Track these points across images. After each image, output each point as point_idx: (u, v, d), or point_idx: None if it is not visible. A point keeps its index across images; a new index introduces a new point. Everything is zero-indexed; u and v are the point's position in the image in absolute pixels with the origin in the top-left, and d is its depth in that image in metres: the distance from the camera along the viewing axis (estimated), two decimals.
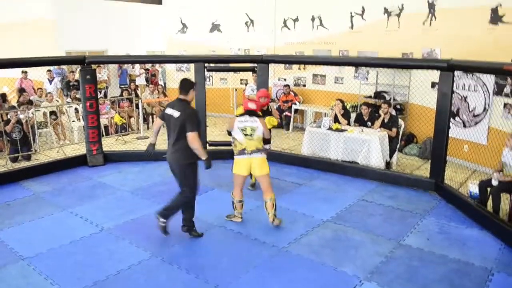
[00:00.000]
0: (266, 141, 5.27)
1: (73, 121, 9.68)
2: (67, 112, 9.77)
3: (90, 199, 6.17)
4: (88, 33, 12.62)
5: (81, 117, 9.01)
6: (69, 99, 10.56)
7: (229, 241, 4.95)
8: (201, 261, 4.49)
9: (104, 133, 9.67)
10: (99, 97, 10.46)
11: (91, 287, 4.02)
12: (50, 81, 11.29)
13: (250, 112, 5.22)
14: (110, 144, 9.10)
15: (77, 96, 9.69)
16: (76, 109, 9.70)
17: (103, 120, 9.79)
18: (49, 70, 11.28)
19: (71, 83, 10.96)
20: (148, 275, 4.23)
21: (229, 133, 5.33)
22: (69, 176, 7.14)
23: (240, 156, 5.19)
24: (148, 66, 13.10)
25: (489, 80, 7.30)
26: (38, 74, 10.80)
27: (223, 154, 8.02)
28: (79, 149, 8.46)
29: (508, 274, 4.30)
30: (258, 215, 5.60)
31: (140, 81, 12.64)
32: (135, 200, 6.14)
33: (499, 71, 5.48)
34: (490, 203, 5.52)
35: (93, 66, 7.72)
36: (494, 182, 5.42)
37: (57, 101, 10.38)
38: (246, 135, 5.11)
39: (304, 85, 11.21)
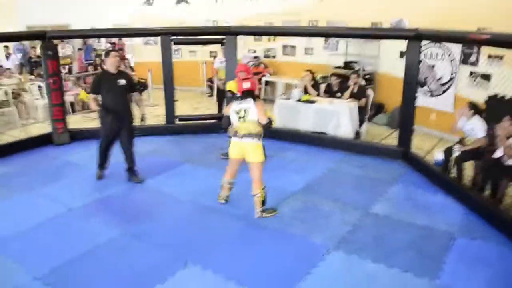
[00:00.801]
0: (269, 125, 4.75)
1: (37, 99, 9.38)
2: (30, 89, 9.45)
3: (56, 179, 6.03)
4: (51, 7, 12.10)
5: (45, 95, 8.72)
6: (32, 76, 10.19)
7: (199, 216, 4.95)
8: (171, 237, 4.47)
9: (70, 111, 9.44)
10: (64, 73, 10.20)
11: (60, 267, 3.96)
12: (7, 57, 10.85)
13: (245, 93, 4.75)
14: (76, 121, 8.86)
15: (40, 73, 9.36)
16: (39, 86, 9.38)
17: (69, 97, 9.52)
18: (5, 46, 10.81)
19: (33, 60, 10.57)
20: (117, 253, 4.20)
21: (228, 121, 4.89)
22: (34, 156, 6.94)
23: (233, 138, 4.86)
24: (115, 40, 12.71)
25: (456, 49, 7.39)
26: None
27: (193, 128, 7.99)
28: (44, 127, 8.22)
29: (470, 238, 4.45)
30: None
31: None
32: (103, 178, 6.03)
33: (465, 39, 5.56)
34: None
35: (56, 41, 7.45)
36: (455, 153, 5.57)
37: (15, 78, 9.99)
38: (240, 117, 4.73)
39: (274, 57, 11.12)
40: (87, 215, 4.96)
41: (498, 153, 5.12)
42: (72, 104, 9.68)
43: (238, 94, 4.92)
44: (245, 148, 4.76)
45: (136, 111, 5.98)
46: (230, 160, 5.04)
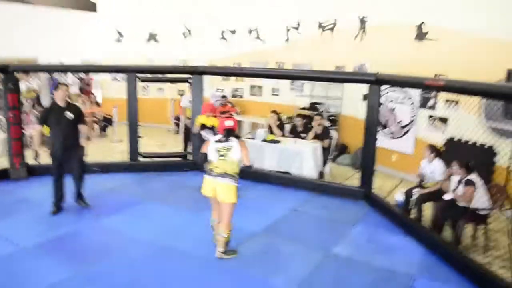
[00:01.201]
0: (249, 168, 4.84)
1: None
2: None
3: (10, 215, 5.78)
4: (18, 40, 11.95)
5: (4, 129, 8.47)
6: None
7: (156, 256, 4.79)
8: (126, 278, 4.31)
9: (30, 144, 9.18)
10: (26, 106, 9.97)
11: None
12: None
13: (227, 131, 4.68)
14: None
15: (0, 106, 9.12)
16: None
17: (30, 131, 9.28)
18: None
19: None
20: None
21: (205, 158, 4.77)
22: None
23: (206, 176, 4.71)
24: (83, 75, 12.61)
25: (415, 93, 7.68)
26: None
27: (157, 166, 7.89)
28: (1, 162, 7.94)
29: (430, 279, 4.48)
30: (189, 228, 5.51)
31: (74, 90, 12.10)
32: (60, 216, 5.82)
33: (422, 85, 5.77)
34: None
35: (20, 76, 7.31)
36: (414, 196, 5.69)
37: None
38: (221, 155, 4.61)
39: (241, 96, 11.26)
40: (39, 255, 4.74)
41: (448, 196, 5.26)
42: (32, 138, 9.42)
43: (209, 128, 5.13)
44: (217, 187, 4.61)
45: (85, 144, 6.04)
46: (210, 199, 4.82)
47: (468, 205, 5.03)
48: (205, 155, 4.77)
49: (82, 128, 5.93)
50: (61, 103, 5.74)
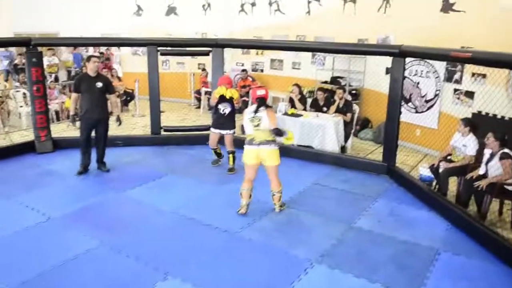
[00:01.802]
0: (278, 132, 4.89)
1: (21, 106, 9.25)
2: (14, 97, 9.32)
3: (37, 187, 5.91)
4: (39, 15, 12.02)
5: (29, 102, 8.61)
6: (17, 83, 10.06)
7: (180, 228, 4.87)
8: (150, 248, 4.39)
9: (55, 119, 9.32)
10: (50, 81, 10.10)
11: (35, 278, 3.85)
12: None
13: (259, 100, 5.00)
14: (61, 130, 8.76)
15: (25, 80, 9.24)
16: (24, 93, 9.26)
17: (54, 105, 9.42)
18: None
19: (18, 66, 10.45)
20: (95, 264, 4.10)
21: (243, 130, 5.30)
22: (16, 163, 6.81)
23: (248, 146, 5.03)
24: (103, 49, 12.65)
25: (440, 66, 7.49)
26: None
27: (178, 140, 7.93)
28: (27, 135, 8.10)
29: (453, 253, 4.44)
30: (212, 200, 5.57)
31: None
32: (85, 188, 5.94)
33: (447, 57, 5.60)
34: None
35: (42, 49, 7.37)
36: (441, 170, 5.59)
37: (1, 84, 9.85)
38: (255, 126, 4.93)
39: (262, 70, 11.16)
40: (66, 225, 4.85)
41: (482, 170, 5.16)
42: (57, 112, 9.56)
43: (228, 100, 5.89)
44: (262, 154, 4.98)
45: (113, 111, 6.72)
46: (247, 167, 5.11)
47: (506, 179, 4.90)
48: (242, 126, 5.18)
49: (110, 97, 6.50)
50: (92, 73, 6.21)
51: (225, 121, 6.51)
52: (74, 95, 6.36)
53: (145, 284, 3.79)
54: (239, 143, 6.05)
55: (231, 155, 6.55)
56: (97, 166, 6.55)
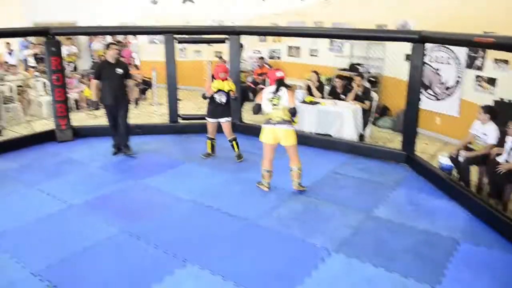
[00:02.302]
0: (294, 112, 5.18)
1: (41, 95, 9.38)
2: (34, 86, 9.46)
3: (58, 175, 6.02)
4: (58, 4, 12.13)
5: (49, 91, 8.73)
6: (37, 73, 10.21)
7: (198, 215, 4.91)
8: (169, 235, 4.44)
9: (74, 108, 9.43)
10: (69, 70, 10.20)
11: (57, 264, 3.94)
12: (10, 54, 10.87)
13: (279, 81, 5.20)
14: (80, 118, 8.87)
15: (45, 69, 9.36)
16: (44, 83, 9.39)
17: (73, 94, 9.53)
18: (7, 43, 10.83)
19: (38, 56, 10.59)
20: (115, 251, 4.17)
21: (258, 108, 5.32)
22: (37, 152, 6.94)
23: (265, 125, 5.24)
24: (120, 38, 12.71)
25: (461, 52, 7.32)
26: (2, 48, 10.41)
27: (196, 128, 7.94)
28: (48, 124, 8.22)
29: (474, 244, 4.38)
30: (230, 189, 5.59)
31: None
32: (105, 175, 6.03)
33: (470, 42, 5.46)
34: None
35: (61, 38, 7.43)
36: (461, 159, 5.49)
37: (20, 73, 9.99)
38: (274, 105, 5.13)
39: (279, 58, 11.08)
40: (87, 212, 4.94)
41: (503, 158, 5.05)
42: (76, 101, 9.67)
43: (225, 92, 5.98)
44: (280, 134, 5.16)
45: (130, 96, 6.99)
46: (265, 147, 5.31)
47: None
48: (259, 105, 5.27)
49: (129, 82, 6.72)
50: (112, 60, 6.45)
51: (223, 110, 6.46)
52: (94, 81, 6.60)
53: (164, 271, 3.84)
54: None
55: (234, 143, 6.56)
56: (123, 151, 6.79)
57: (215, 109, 6.48)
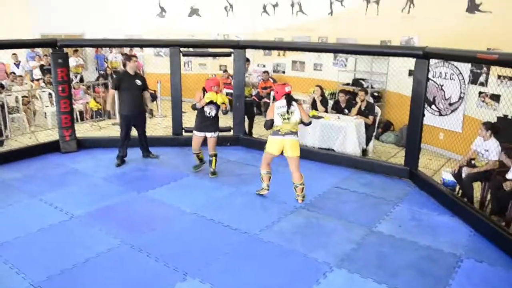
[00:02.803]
0: (308, 125, 5.64)
1: (47, 106, 9.46)
2: (40, 97, 9.54)
3: (61, 186, 6.04)
4: (65, 17, 12.30)
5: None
6: (43, 84, 10.31)
7: (200, 228, 4.90)
8: (170, 248, 4.43)
9: (79, 119, 9.49)
10: (74, 82, 10.30)
11: (58, 275, 3.94)
12: (17, 65, 11.00)
13: (288, 97, 5.37)
14: (85, 130, 8.93)
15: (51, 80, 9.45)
16: (50, 93, 9.47)
17: (78, 106, 9.60)
18: (14, 54, 10.97)
19: (44, 67, 10.70)
20: (116, 263, 4.17)
21: (271, 124, 5.37)
22: (41, 162, 6.97)
23: (274, 136, 5.39)
24: (127, 50, 12.84)
25: (465, 68, 7.35)
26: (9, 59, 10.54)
27: None
28: (52, 135, 8.28)
29: (476, 260, 4.35)
30: (232, 202, 5.59)
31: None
32: (108, 187, 6.04)
33: (473, 59, 5.48)
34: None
35: (68, 50, 7.52)
36: (463, 175, 5.48)
37: (27, 84, 10.10)
38: (284, 119, 5.31)
39: (284, 72, 11.15)
40: (89, 223, 4.94)
41: (510, 175, 5.03)
42: (81, 112, 9.74)
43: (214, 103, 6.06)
44: (287, 145, 5.33)
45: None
46: (268, 156, 5.51)
47: None
48: (272, 121, 5.36)
49: (145, 94, 6.96)
50: (131, 72, 6.70)
51: (211, 123, 6.36)
52: (112, 91, 6.84)
53: (164, 284, 3.83)
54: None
55: (214, 158, 6.45)
56: (143, 155, 7.17)
57: (203, 122, 6.35)
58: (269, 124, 5.39)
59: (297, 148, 5.39)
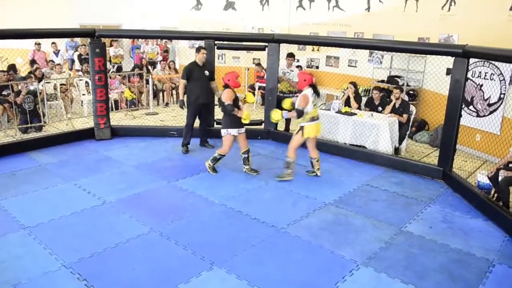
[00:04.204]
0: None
1: (83, 94, 9.70)
2: (77, 85, 9.79)
3: (94, 172, 6.20)
4: (103, 8, 12.57)
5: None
6: (80, 73, 10.57)
7: (228, 220, 4.93)
8: (198, 238, 4.48)
9: (114, 108, 9.69)
10: (112, 71, 10.52)
11: (88, 258, 4.04)
12: (56, 54, 11.30)
13: (313, 86, 5.83)
14: (119, 118, 9.12)
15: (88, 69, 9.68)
16: (86, 82, 9.71)
17: (114, 95, 9.80)
18: (53, 43, 11.27)
19: (82, 56, 10.97)
20: (145, 249, 4.24)
21: (301, 114, 5.75)
22: (76, 148, 7.17)
23: (312, 122, 5.84)
24: (160, 42, 13.01)
25: (506, 68, 7.09)
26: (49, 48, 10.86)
27: None
28: (88, 122, 8.50)
29: (509, 266, 4.21)
30: (260, 195, 5.60)
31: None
32: (139, 175, 6.15)
33: None
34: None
35: (106, 40, 7.68)
36: (500, 178, 5.30)
37: (65, 72, 10.37)
38: (314, 105, 5.82)
39: (317, 67, 11.05)
40: (120, 210, 5.05)
41: None
42: (116, 101, 9.94)
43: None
44: (319, 126, 5.99)
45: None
46: (303, 140, 5.92)
47: None
48: (303, 111, 5.70)
49: (212, 84, 7.18)
50: (200, 63, 6.97)
51: (239, 118, 6.00)
52: (182, 81, 7.03)
53: (191, 272, 3.87)
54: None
55: (248, 154, 6.26)
56: (201, 143, 7.47)
57: (235, 119, 6.00)
58: (302, 114, 5.74)
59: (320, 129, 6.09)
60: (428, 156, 7.56)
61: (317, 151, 6.15)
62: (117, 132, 7.83)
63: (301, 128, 5.89)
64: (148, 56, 11.97)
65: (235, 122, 6.01)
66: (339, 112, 7.54)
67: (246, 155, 6.25)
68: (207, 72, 7.00)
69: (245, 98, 6.33)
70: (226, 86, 5.99)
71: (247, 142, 6.23)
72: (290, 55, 8.05)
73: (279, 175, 6.09)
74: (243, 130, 6.19)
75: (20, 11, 11.48)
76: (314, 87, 5.88)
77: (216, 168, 6.32)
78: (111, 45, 11.55)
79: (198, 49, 7.05)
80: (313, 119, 5.85)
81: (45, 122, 8.46)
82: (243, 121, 5.96)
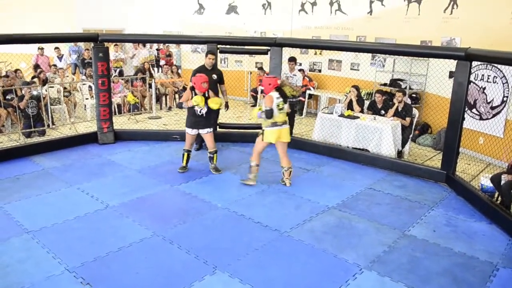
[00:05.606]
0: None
1: (87, 98, 9.73)
2: (80, 89, 9.82)
3: (97, 176, 6.21)
4: (106, 12, 12.64)
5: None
6: (83, 77, 10.61)
7: (231, 223, 4.93)
8: (202, 242, 4.48)
9: (117, 112, 9.72)
10: (114, 75, 10.55)
11: (92, 262, 4.05)
12: (60, 58, 11.35)
13: (279, 89, 5.79)
14: (122, 122, 9.13)
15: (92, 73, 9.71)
16: (90, 86, 9.74)
17: (117, 99, 9.82)
18: (56, 48, 11.32)
19: (86, 61, 11.02)
20: (148, 253, 4.24)
21: (271, 113, 5.62)
22: (79, 152, 7.19)
23: (272, 128, 5.73)
24: (163, 46, 13.05)
25: (509, 71, 7.08)
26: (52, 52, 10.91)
27: (234, 137, 8.02)
28: (91, 126, 8.52)
29: None
30: (263, 199, 5.59)
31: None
32: (142, 179, 6.16)
33: None
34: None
35: (108, 44, 7.71)
36: (503, 182, 5.28)
37: (67, 77, 10.42)
38: (280, 109, 5.68)
39: (320, 71, 11.06)
40: (123, 214, 5.06)
41: None
42: (119, 105, 9.96)
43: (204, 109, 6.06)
44: (283, 132, 5.78)
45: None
46: (263, 145, 5.87)
47: None
48: (272, 110, 5.61)
49: (222, 87, 7.32)
50: (208, 67, 7.07)
51: (203, 120, 6.27)
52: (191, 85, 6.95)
53: (194, 276, 3.87)
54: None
55: (214, 155, 6.46)
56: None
57: (195, 120, 6.25)
58: (270, 113, 5.62)
59: (289, 134, 5.90)
60: (431, 159, 7.55)
61: (289, 160, 5.97)
62: (120, 136, 7.85)
63: (262, 131, 5.85)
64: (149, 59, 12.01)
65: (194, 122, 6.26)
66: (341, 115, 7.54)
67: (211, 155, 6.47)
68: (215, 76, 7.07)
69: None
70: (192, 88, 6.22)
71: (212, 143, 6.39)
72: (292, 59, 8.06)
73: (242, 178, 6.11)
74: (206, 131, 6.32)
75: (24, 16, 11.55)
76: (280, 90, 5.80)
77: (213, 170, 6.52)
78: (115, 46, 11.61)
79: (206, 54, 7.20)
80: (276, 124, 5.71)
81: (53, 124, 8.51)
82: (210, 106, 6.13)
